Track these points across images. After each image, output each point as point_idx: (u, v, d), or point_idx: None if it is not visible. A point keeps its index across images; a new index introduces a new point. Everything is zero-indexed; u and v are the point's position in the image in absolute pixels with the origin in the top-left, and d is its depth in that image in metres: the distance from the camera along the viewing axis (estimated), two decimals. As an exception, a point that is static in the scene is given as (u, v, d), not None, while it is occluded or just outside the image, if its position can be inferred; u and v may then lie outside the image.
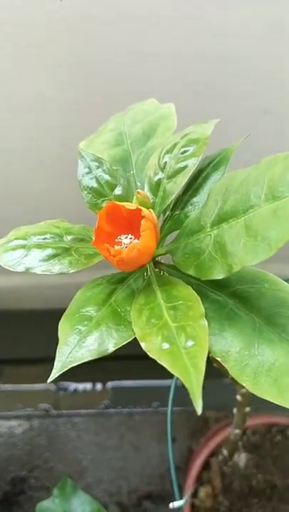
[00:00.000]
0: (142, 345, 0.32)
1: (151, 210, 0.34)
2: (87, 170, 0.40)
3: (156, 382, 1.02)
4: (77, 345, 0.33)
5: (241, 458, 0.85)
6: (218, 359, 0.34)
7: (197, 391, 0.28)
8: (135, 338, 0.33)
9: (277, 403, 0.32)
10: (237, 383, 0.61)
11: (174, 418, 0.99)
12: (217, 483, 0.79)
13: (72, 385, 1.06)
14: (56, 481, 0.90)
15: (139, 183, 0.42)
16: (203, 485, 0.79)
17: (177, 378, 0.65)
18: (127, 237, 0.35)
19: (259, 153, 0.35)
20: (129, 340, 0.34)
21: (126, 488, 0.91)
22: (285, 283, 0.36)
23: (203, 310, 0.33)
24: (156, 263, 0.39)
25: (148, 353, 0.32)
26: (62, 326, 0.34)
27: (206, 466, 0.81)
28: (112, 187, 0.39)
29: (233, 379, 0.58)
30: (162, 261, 0.40)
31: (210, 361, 0.52)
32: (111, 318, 0.35)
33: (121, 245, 0.35)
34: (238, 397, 0.64)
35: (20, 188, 0.79)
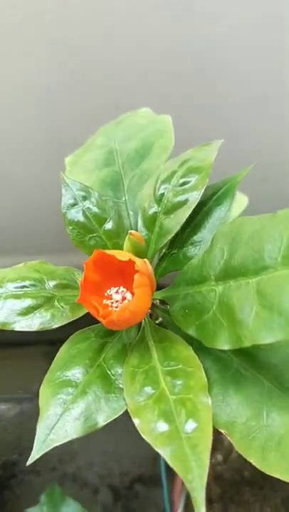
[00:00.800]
0: (135, 421, 0.28)
1: (146, 261, 0.30)
2: (72, 201, 0.34)
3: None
4: (60, 419, 0.29)
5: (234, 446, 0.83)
6: (223, 431, 0.30)
7: (200, 495, 0.24)
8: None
9: (285, 480, 0.28)
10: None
11: None
12: (209, 471, 0.77)
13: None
14: (47, 464, 0.90)
15: (131, 212, 0.37)
16: None
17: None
18: (118, 291, 0.30)
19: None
20: (121, 412, 0.29)
21: (117, 470, 0.90)
22: None
23: (206, 380, 0.28)
24: (151, 306, 0.35)
25: (142, 435, 0.27)
26: (44, 393, 0.30)
27: None
28: (102, 221, 0.34)
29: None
30: (158, 303, 0.35)
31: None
32: (100, 383, 0.30)
33: (111, 300, 0.30)
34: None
35: (8, 174, 0.73)
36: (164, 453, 0.26)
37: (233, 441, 0.29)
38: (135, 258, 0.29)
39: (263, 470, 0.29)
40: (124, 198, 0.37)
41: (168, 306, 0.33)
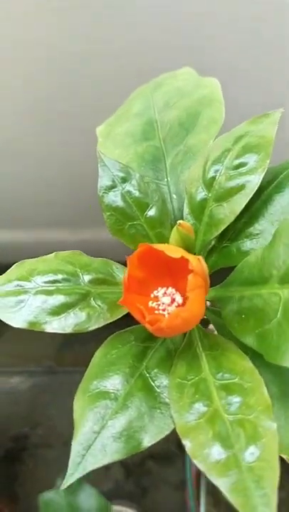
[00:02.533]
0: (186, 444, 0.24)
1: (201, 259, 0.25)
2: (110, 183, 0.30)
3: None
4: (98, 438, 0.25)
5: None
6: (284, 457, 0.26)
7: None
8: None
9: None
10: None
11: None
12: None
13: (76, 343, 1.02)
14: (59, 438, 0.89)
15: (175, 196, 0.32)
16: None
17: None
18: (166, 293, 0.26)
19: None
20: (168, 432, 0.25)
21: None
22: None
23: (269, 400, 0.24)
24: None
25: (193, 460, 0.24)
26: (78, 405, 0.26)
27: None
28: (143, 207, 0.30)
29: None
30: (208, 305, 0.31)
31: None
32: (143, 397, 0.26)
33: (158, 302, 0.26)
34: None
35: (20, 143, 0.68)
36: (223, 485, 0.22)
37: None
38: (189, 255, 0.25)
39: None
40: (166, 179, 0.33)
41: (219, 308, 0.29)
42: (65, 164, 0.68)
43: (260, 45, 0.55)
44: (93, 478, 0.73)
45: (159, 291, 0.26)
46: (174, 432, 0.25)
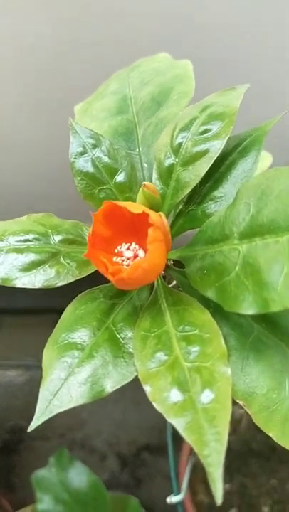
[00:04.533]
0: (146, 389, 0.25)
1: (162, 214, 0.27)
2: (81, 149, 0.31)
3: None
4: (64, 384, 0.26)
5: (243, 419, 0.82)
6: (240, 403, 0.27)
7: (217, 471, 0.22)
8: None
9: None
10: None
11: None
12: None
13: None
14: (55, 431, 0.91)
15: (146, 165, 0.34)
16: None
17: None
18: (129, 248, 0.27)
19: None
20: (131, 379, 0.27)
21: (125, 439, 0.91)
22: None
23: (225, 348, 0.26)
24: (165, 268, 0.32)
25: (153, 403, 0.25)
26: (47, 355, 0.27)
27: None
28: (113, 172, 0.31)
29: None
30: (172, 265, 0.32)
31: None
32: (108, 347, 0.28)
33: (122, 257, 0.28)
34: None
35: (9, 136, 0.70)
36: (178, 424, 0.23)
37: (252, 413, 0.27)
38: (149, 211, 0.26)
39: (283, 445, 0.27)
40: (137, 149, 0.34)
41: (183, 269, 0.30)
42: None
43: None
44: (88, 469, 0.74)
45: (123, 247, 0.28)
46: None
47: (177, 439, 0.85)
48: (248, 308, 0.25)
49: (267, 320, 0.29)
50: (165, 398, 0.25)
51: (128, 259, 0.27)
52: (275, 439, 0.27)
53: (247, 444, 0.78)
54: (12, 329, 1.05)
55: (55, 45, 0.58)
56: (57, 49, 0.59)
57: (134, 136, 0.35)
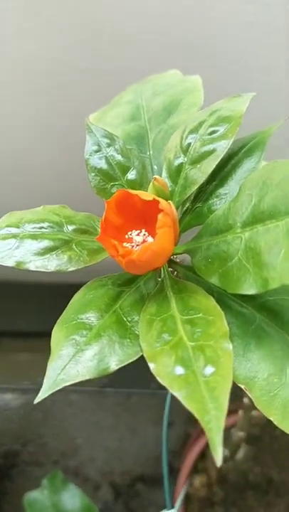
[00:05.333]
0: (151, 366, 0.26)
1: (171, 203, 0.28)
2: (96, 147, 0.33)
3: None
4: (72, 359, 0.27)
5: (239, 450, 0.82)
6: (242, 386, 0.28)
7: (217, 435, 0.23)
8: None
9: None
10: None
11: (171, 401, 0.96)
12: (213, 473, 0.76)
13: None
14: (49, 457, 0.89)
15: (156, 167, 0.36)
16: (198, 474, 0.76)
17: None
18: (139, 234, 0.29)
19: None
20: (135, 358, 0.28)
21: (119, 468, 0.88)
22: None
23: (227, 328, 0.27)
24: (171, 263, 0.33)
25: (157, 378, 0.26)
26: (56, 335, 0.29)
27: (203, 454, 0.78)
28: (125, 170, 0.33)
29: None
30: (178, 260, 0.34)
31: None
32: (115, 328, 0.29)
33: (132, 242, 0.29)
34: (246, 400, 0.59)
35: (22, 158, 0.72)
36: (180, 395, 0.25)
37: (253, 397, 0.28)
38: (159, 198, 0.28)
39: (283, 429, 0.27)
40: (148, 153, 0.36)
41: (190, 263, 0.32)
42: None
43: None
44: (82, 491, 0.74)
45: (133, 233, 0.29)
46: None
47: (173, 470, 0.84)
48: (249, 288, 0.26)
49: (268, 310, 0.30)
50: (169, 373, 0.26)
51: (138, 244, 0.29)
52: (275, 423, 0.27)
53: (244, 476, 0.77)
54: (10, 353, 1.05)
55: (67, 70, 0.61)
56: (68, 74, 0.62)
57: (145, 141, 0.37)
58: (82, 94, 0.62)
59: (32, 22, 0.58)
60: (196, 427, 0.89)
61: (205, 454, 0.79)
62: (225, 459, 0.77)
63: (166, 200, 0.31)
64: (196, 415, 0.24)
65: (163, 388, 0.79)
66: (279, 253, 0.25)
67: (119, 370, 0.92)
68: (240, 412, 0.63)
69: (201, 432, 0.80)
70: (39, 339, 1.03)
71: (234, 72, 0.59)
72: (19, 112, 0.66)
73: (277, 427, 0.74)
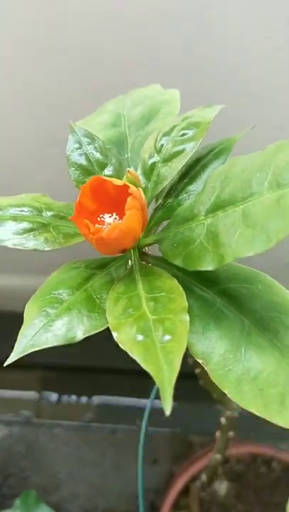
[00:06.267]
0: (114, 334, 0.29)
1: (140, 189, 0.31)
2: (77, 145, 0.36)
3: (142, 400, 0.99)
4: (42, 328, 0.30)
5: (222, 486, 0.81)
6: (199, 361, 0.30)
7: (168, 390, 0.25)
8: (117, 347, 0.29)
9: (262, 416, 0.29)
10: (223, 403, 0.57)
11: (157, 439, 0.95)
12: (195, 509, 0.75)
13: (56, 396, 1.02)
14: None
15: (132, 168, 0.38)
16: (180, 510, 0.75)
17: (154, 397, 0.61)
18: (111, 217, 0.32)
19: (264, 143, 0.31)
20: (101, 329, 0.30)
21: (102, 506, 0.88)
22: (281, 286, 0.33)
23: (186, 304, 0.29)
24: (143, 255, 0.36)
25: (119, 344, 0.28)
26: (30, 307, 0.31)
27: (185, 491, 0.77)
28: (103, 166, 0.36)
29: (218, 399, 0.55)
30: (149, 252, 0.36)
31: (196, 378, 0.48)
32: (84, 303, 0.31)
33: (103, 225, 0.32)
34: (223, 420, 0.60)
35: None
36: (138, 357, 0.27)
37: (209, 370, 0.30)
38: (129, 184, 0.31)
39: (237, 402, 0.29)
40: (127, 155, 0.39)
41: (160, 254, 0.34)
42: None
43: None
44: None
45: (105, 216, 0.32)
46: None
47: (156, 509, 0.82)
48: (208, 265, 0.29)
49: (229, 295, 0.32)
50: (130, 339, 0.28)
51: (108, 224, 0.32)
52: (230, 396, 0.29)
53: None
54: None
55: (64, 90, 0.65)
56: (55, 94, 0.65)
57: (124, 145, 0.40)
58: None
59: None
60: (180, 465, 0.89)
61: (188, 489, 0.79)
62: (202, 486, 0.77)
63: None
64: (152, 374, 0.26)
65: (150, 425, 0.79)
66: (235, 233, 0.28)
67: (106, 405, 0.91)
68: (217, 434, 0.64)
69: (184, 469, 0.80)
70: (25, 371, 1.03)
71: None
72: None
73: (261, 465, 0.74)
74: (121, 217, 0.32)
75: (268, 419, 0.29)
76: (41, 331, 0.29)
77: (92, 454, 0.93)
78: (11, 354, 0.29)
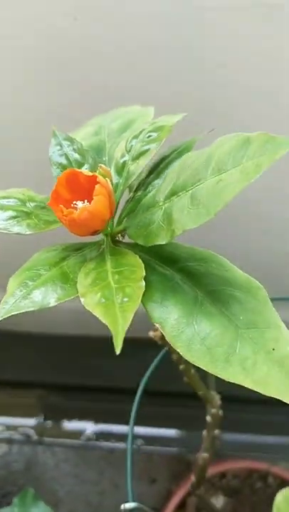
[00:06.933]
0: (82, 300, 0.34)
1: (108, 180, 0.36)
2: (58, 147, 0.42)
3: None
4: (22, 296, 0.35)
5: (219, 501, 0.83)
6: (157, 325, 0.35)
7: (120, 335, 0.30)
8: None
9: (208, 370, 0.33)
10: (208, 400, 0.61)
11: (155, 459, 0.97)
12: None
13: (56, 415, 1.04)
14: None
15: (108, 167, 0.44)
16: None
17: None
18: (83, 203, 0.37)
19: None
20: (72, 297, 0.35)
21: None
22: (233, 265, 0.37)
23: (144, 273, 0.34)
24: (115, 242, 0.41)
25: (86, 307, 0.33)
26: (12, 281, 0.36)
27: (182, 505, 0.79)
28: (80, 165, 0.42)
29: (203, 396, 0.58)
30: (121, 239, 0.41)
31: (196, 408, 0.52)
32: (59, 277, 0.36)
33: (76, 210, 0.37)
34: (208, 418, 0.63)
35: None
36: (100, 314, 0.32)
37: (165, 333, 0.35)
38: (98, 175, 0.36)
39: (188, 359, 0.34)
40: (104, 158, 0.45)
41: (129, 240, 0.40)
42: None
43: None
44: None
45: (78, 203, 0.37)
46: None
47: None
48: (162, 240, 0.34)
49: (186, 272, 0.37)
50: (94, 302, 0.33)
51: (79, 206, 0.37)
52: (181, 354, 0.34)
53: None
54: None
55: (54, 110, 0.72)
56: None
57: (103, 150, 0.46)
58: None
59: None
60: (178, 484, 0.91)
61: (184, 504, 0.81)
62: (192, 486, 0.79)
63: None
64: (109, 325, 0.31)
65: (148, 444, 0.82)
66: (183, 212, 0.33)
67: (105, 424, 0.92)
68: (204, 433, 0.66)
69: (181, 486, 0.82)
70: (26, 389, 1.05)
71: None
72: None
73: (257, 481, 0.77)
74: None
75: (213, 373, 0.33)
76: (21, 299, 0.34)
77: (91, 472, 0.95)
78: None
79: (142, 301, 0.34)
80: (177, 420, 1.00)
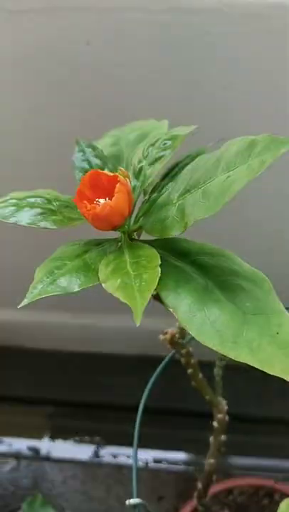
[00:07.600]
0: (103, 285, 0.37)
1: (128, 180, 0.40)
2: (81, 154, 0.47)
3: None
4: (49, 282, 0.38)
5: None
6: (170, 310, 0.38)
7: (140, 310, 0.33)
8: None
9: (218, 350, 0.36)
10: (214, 405, 0.63)
11: (163, 476, 0.97)
12: None
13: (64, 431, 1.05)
14: None
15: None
16: None
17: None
18: (104, 201, 0.41)
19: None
20: (94, 284, 0.38)
21: None
22: (241, 260, 0.41)
23: (159, 262, 0.38)
24: (132, 239, 0.45)
25: (107, 290, 0.37)
26: (40, 270, 0.40)
27: None
28: (101, 169, 0.46)
29: (210, 400, 0.61)
30: (137, 237, 0.45)
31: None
32: (82, 267, 0.40)
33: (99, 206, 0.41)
34: (215, 424, 0.65)
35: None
36: (120, 295, 0.35)
37: (178, 317, 0.38)
38: (119, 175, 0.40)
39: (199, 340, 0.37)
40: (123, 165, 0.49)
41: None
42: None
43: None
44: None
45: (100, 200, 0.41)
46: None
47: None
48: (176, 231, 0.38)
49: (197, 264, 0.41)
50: (115, 286, 0.36)
51: (101, 203, 0.41)
52: (193, 335, 0.37)
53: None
54: (8, 416, 1.07)
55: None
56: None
57: (122, 159, 0.50)
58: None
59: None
60: (185, 501, 0.92)
61: None
62: (199, 494, 0.81)
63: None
64: (129, 304, 0.34)
65: (157, 461, 0.84)
66: (195, 206, 0.37)
67: (113, 442, 0.93)
68: (210, 439, 0.68)
69: (189, 501, 0.83)
70: (35, 406, 1.06)
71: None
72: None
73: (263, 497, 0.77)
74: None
75: (222, 352, 0.36)
76: (48, 285, 0.38)
77: (99, 489, 0.95)
78: (24, 300, 0.37)
79: (157, 289, 0.37)
80: (186, 443, 1.01)
